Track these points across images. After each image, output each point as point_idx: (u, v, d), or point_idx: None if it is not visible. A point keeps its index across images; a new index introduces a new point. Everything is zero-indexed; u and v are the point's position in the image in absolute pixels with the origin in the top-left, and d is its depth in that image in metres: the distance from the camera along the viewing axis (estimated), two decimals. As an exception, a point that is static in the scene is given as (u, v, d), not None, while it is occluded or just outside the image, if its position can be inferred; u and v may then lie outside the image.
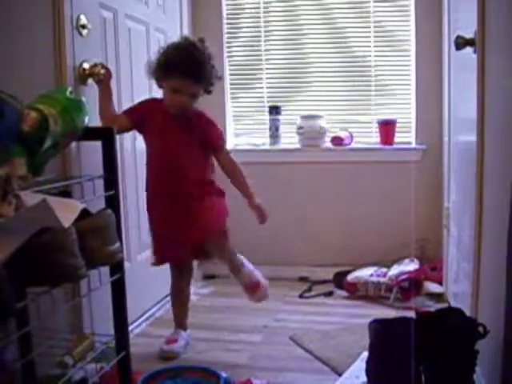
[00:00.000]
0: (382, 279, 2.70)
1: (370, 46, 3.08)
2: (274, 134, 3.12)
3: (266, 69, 3.20)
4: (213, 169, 2.18)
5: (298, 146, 3.11)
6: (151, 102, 2.19)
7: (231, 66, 3.21)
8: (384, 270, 2.79)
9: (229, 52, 3.19)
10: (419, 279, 2.68)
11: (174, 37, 2.75)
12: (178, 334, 2.21)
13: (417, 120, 3.02)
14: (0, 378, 1.36)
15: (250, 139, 3.22)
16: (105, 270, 1.51)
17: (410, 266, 2.78)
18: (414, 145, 3.04)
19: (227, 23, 3.18)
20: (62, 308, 1.53)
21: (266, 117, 3.14)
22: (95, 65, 2.02)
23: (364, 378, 1.74)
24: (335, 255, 3.04)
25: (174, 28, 2.85)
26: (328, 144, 3.08)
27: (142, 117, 2.11)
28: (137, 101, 2.27)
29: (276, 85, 3.21)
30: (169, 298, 2.40)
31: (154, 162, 2.13)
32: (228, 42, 3.19)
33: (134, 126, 2.12)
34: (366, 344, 1.73)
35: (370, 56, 3.08)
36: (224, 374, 1.74)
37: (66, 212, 1.23)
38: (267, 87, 3.21)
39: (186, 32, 2.95)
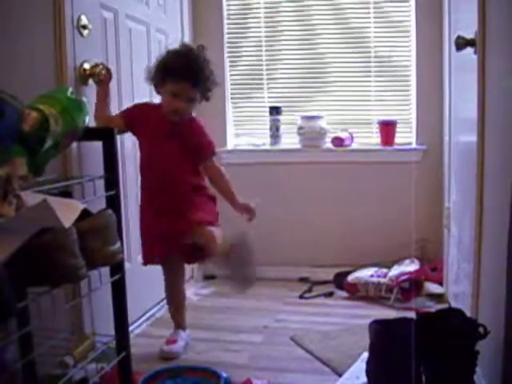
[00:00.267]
0: (382, 280, 2.70)
1: (370, 47, 3.08)
2: (275, 134, 3.12)
3: (267, 69, 3.20)
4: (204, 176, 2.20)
5: (298, 146, 3.11)
6: (146, 106, 2.19)
7: (232, 65, 3.21)
8: (384, 270, 2.79)
9: (230, 52, 3.19)
10: (419, 280, 2.68)
11: (175, 37, 2.76)
12: (177, 335, 2.21)
13: (417, 120, 3.02)
14: (1, 377, 1.36)
15: (250, 139, 3.22)
16: (105, 270, 1.51)
17: (411, 266, 2.78)
18: (414, 145, 3.04)
19: (228, 23, 3.18)
20: (62, 308, 1.52)
21: (267, 117, 3.14)
22: (96, 65, 2.02)
23: (364, 379, 1.74)
24: (335, 256, 3.04)
25: (175, 28, 2.85)
26: (328, 144, 3.08)
27: (135, 119, 2.12)
28: (137, 101, 2.28)
29: (277, 85, 3.21)
30: (169, 298, 2.40)
31: (146, 165, 2.15)
32: (229, 42, 3.19)
33: (128, 128, 2.12)
34: (367, 345, 1.73)
35: (371, 56, 3.08)
36: (224, 374, 1.74)
37: (67, 212, 1.23)
38: (268, 87, 3.21)
39: (187, 32, 2.96)
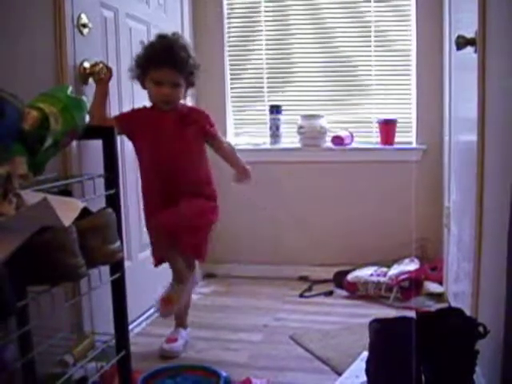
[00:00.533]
0: (382, 279, 2.70)
1: (370, 46, 3.08)
2: (275, 133, 3.12)
3: (267, 68, 3.20)
4: (209, 168, 2.19)
5: (298, 145, 3.11)
6: (144, 110, 2.17)
7: (232, 65, 3.21)
8: (384, 269, 2.79)
9: (229, 51, 3.19)
10: (419, 279, 2.68)
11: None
12: (177, 333, 2.21)
13: (417, 120, 3.02)
14: (0, 376, 1.36)
15: (250, 139, 3.22)
16: (105, 268, 1.51)
17: (410, 265, 2.78)
18: (414, 144, 3.04)
19: (228, 22, 3.17)
20: (62, 307, 1.53)
21: (267, 116, 3.14)
22: (96, 64, 2.02)
23: (364, 378, 1.74)
24: (335, 255, 3.04)
25: (175, 27, 2.84)
26: (328, 144, 3.08)
27: (132, 124, 2.11)
28: (137, 100, 2.28)
29: (277, 84, 3.21)
30: (169, 298, 2.40)
31: (148, 166, 2.13)
32: (229, 42, 3.18)
33: (124, 132, 2.09)
34: (366, 344, 1.73)
35: (371, 56, 3.08)
36: (224, 373, 1.75)
37: (67, 211, 1.23)
38: (268, 87, 3.21)
39: (187, 31, 2.95)
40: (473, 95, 1.76)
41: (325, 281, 2.93)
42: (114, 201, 1.56)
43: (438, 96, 2.86)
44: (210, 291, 2.91)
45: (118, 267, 1.56)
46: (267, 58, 3.19)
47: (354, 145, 3.11)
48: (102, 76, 2.02)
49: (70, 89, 1.48)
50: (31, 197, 1.19)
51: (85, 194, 1.57)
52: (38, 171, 1.33)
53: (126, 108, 2.25)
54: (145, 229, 2.26)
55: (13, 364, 1.39)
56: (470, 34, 1.79)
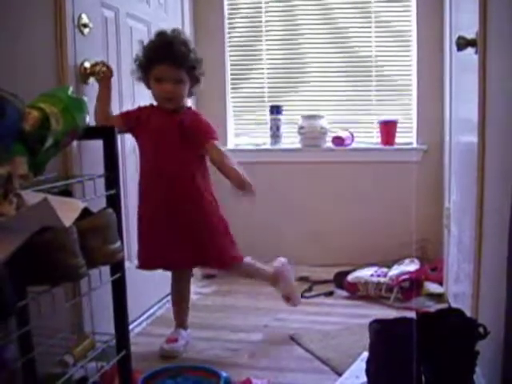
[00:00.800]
0: (382, 279, 2.70)
1: (371, 46, 3.08)
2: (275, 133, 3.12)
3: (267, 68, 3.20)
4: (208, 176, 2.17)
5: (298, 145, 3.11)
6: (149, 108, 2.16)
7: (233, 65, 3.21)
8: (384, 270, 2.79)
9: (230, 51, 3.19)
10: (420, 279, 2.68)
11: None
12: (178, 334, 2.21)
13: (418, 120, 3.02)
14: (1, 376, 1.36)
15: (250, 139, 3.22)
16: (105, 269, 1.51)
17: (411, 266, 2.78)
18: (414, 145, 3.04)
19: (229, 22, 3.18)
20: (62, 307, 1.52)
21: (267, 116, 3.14)
22: (96, 63, 2.02)
23: (364, 378, 1.73)
24: (336, 255, 3.04)
25: (176, 27, 2.84)
26: (329, 144, 3.08)
27: (136, 121, 2.10)
28: (138, 99, 2.28)
29: (277, 84, 3.21)
30: (169, 297, 2.40)
31: (149, 166, 2.13)
32: (229, 41, 3.18)
33: (128, 129, 2.11)
34: (367, 344, 1.73)
35: (372, 56, 3.09)
36: (224, 374, 1.74)
37: (67, 211, 1.23)
38: (268, 87, 3.21)
39: (188, 31, 2.95)
40: (473, 96, 1.76)
41: (325, 281, 2.93)
42: (114, 201, 1.56)
43: (439, 97, 2.86)
44: (210, 291, 2.91)
45: (118, 267, 1.56)
46: (268, 58, 3.19)
47: (354, 145, 3.11)
48: (102, 75, 2.02)
49: (71, 89, 1.48)
50: (32, 197, 1.19)
51: (85, 195, 1.56)
52: (38, 171, 1.32)
53: (127, 108, 2.25)
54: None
55: (13, 364, 1.39)
56: (470, 34, 1.79)
